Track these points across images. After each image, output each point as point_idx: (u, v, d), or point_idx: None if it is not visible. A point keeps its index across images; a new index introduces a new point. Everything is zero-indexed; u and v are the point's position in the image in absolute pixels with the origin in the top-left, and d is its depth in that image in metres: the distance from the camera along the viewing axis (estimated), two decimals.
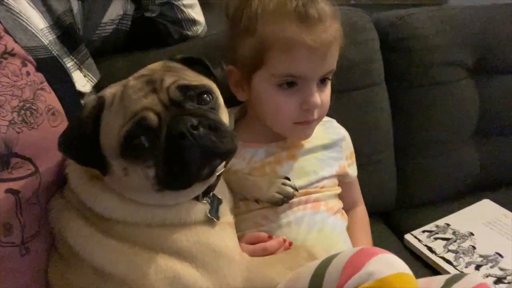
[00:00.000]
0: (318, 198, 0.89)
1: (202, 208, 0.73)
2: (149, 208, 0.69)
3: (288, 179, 0.86)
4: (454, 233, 1.11)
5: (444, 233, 1.12)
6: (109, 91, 0.67)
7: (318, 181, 0.90)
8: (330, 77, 0.86)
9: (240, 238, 0.80)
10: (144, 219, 0.69)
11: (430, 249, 1.07)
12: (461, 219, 1.15)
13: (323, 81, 0.84)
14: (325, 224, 0.87)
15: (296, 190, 0.85)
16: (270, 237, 0.81)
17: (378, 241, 1.05)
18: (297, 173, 0.89)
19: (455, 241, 1.08)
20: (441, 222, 1.15)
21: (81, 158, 0.67)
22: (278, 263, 0.75)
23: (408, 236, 1.12)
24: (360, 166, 1.04)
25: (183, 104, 0.64)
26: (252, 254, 0.77)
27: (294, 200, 0.85)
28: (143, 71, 0.71)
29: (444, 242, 1.09)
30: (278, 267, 0.74)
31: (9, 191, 0.67)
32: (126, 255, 0.67)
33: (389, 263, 0.63)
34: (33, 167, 0.70)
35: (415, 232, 1.12)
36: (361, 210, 1.04)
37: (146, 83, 0.64)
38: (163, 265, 0.67)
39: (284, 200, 0.83)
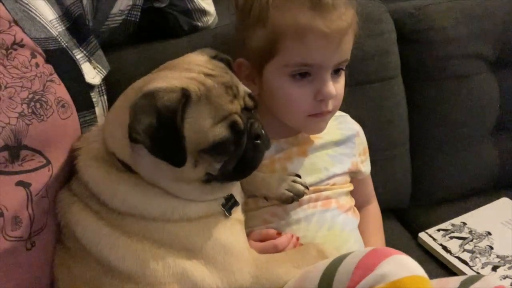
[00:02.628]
0: (329, 195, 0.87)
1: (218, 202, 0.74)
2: (171, 202, 0.69)
3: (299, 176, 0.84)
4: (470, 232, 1.08)
5: (460, 232, 1.08)
6: (192, 88, 0.65)
7: (329, 178, 0.88)
8: (344, 68, 0.83)
9: (247, 235, 0.79)
10: (163, 213, 0.68)
11: (445, 248, 1.04)
12: (478, 218, 1.12)
13: (337, 71, 0.82)
14: (336, 222, 0.85)
15: (307, 188, 0.83)
16: (279, 234, 0.79)
17: (391, 239, 1.04)
18: (308, 169, 0.87)
19: (471, 241, 1.05)
20: (457, 220, 1.12)
21: (161, 148, 0.63)
22: (287, 261, 0.73)
23: (422, 235, 1.09)
24: (374, 161, 1.01)
25: (252, 109, 0.73)
26: (262, 251, 0.75)
27: (304, 197, 0.83)
28: (195, 67, 0.70)
29: (460, 241, 1.06)
30: (287, 265, 0.72)
31: (20, 183, 0.66)
32: (134, 251, 0.66)
33: (403, 265, 0.61)
34: (45, 159, 0.69)
35: (430, 231, 1.09)
36: (374, 208, 1.01)
37: (226, 89, 0.68)
38: (171, 261, 0.67)
39: (294, 198, 0.81)
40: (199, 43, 0.99)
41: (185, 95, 0.64)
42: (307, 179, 0.85)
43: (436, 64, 1.14)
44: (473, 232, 1.08)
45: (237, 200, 0.77)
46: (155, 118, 0.62)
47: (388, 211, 1.18)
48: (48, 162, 0.70)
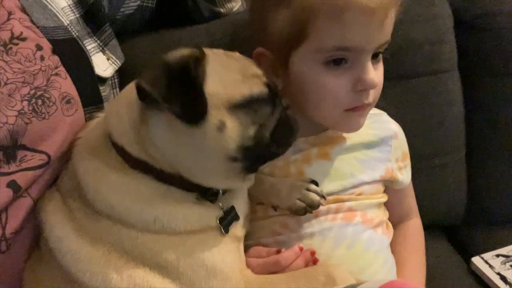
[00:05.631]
0: (353, 207, 0.74)
1: (213, 214, 0.65)
2: (155, 211, 0.62)
3: (315, 183, 0.72)
4: None
5: None
6: (209, 50, 0.63)
7: (355, 186, 0.75)
8: (383, 51, 0.71)
9: (250, 248, 0.69)
10: (144, 221, 0.61)
11: (503, 278, 0.87)
12: None
13: (375, 56, 0.70)
14: (358, 239, 0.72)
15: (323, 197, 0.71)
16: (279, 251, 0.67)
17: (438, 263, 0.92)
18: (330, 175, 0.75)
19: None
20: None
21: (177, 98, 0.57)
22: (287, 283, 0.62)
23: (476, 260, 0.92)
24: (418, 170, 0.88)
25: None
26: (262, 269, 0.65)
27: (322, 208, 0.71)
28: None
29: None
30: None
31: (10, 185, 0.62)
32: (97, 263, 0.60)
33: None
34: (47, 157, 0.66)
35: (486, 256, 0.93)
36: (414, 224, 0.86)
37: (247, 60, 0.66)
38: (138, 278, 0.59)
39: (307, 209, 0.70)
40: (218, 31, 0.91)
41: (198, 51, 0.59)
42: (328, 186, 0.73)
43: (503, 56, 0.97)
44: None
45: (239, 212, 0.68)
46: (166, 71, 0.57)
47: (437, 230, 1.03)
48: (49, 160, 0.66)
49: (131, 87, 0.63)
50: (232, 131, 0.59)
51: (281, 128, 0.63)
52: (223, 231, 0.64)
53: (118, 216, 0.61)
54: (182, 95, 0.56)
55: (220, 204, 0.66)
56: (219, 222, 0.64)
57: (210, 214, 0.65)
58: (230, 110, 0.59)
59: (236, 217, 0.67)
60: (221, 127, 0.59)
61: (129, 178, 0.62)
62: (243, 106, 0.60)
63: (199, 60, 0.59)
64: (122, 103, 0.64)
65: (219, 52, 0.63)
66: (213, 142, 0.59)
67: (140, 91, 0.58)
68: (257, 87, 0.60)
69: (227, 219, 0.65)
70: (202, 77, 0.58)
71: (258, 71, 0.64)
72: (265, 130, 0.62)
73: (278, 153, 0.66)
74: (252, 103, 0.60)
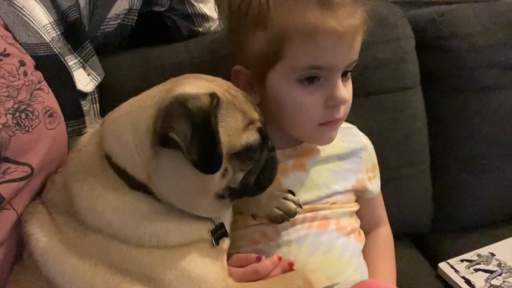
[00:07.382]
0: (327, 215, 0.77)
1: (205, 227, 0.67)
2: (153, 226, 0.63)
3: (292, 193, 0.75)
4: (499, 265, 0.95)
5: (488, 264, 0.95)
6: (220, 92, 0.64)
7: (329, 196, 0.79)
8: (351, 70, 0.76)
9: (230, 257, 0.71)
10: (140, 237, 0.62)
11: (468, 282, 0.92)
12: (509, 249, 0.98)
13: (345, 74, 0.74)
14: (333, 245, 0.75)
15: (300, 206, 0.74)
16: (259, 258, 0.70)
17: (408, 269, 0.95)
18: (305, 186, 0.78)
19: (500, 275, 0.92)
20: (484, 250, 0.99)
21: (198, 153, 0.58)
22: None
23: (443, 265, 0.97)
24: (387, 180, 0.92)
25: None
26: (242, 278, 0.67)
27: (299, 216, 0.75)
28: (216, 78, 0.70)
29: (487, 275, 0.93)
30: None
31: None
32: (83, 275, 0.60)
33: None
34: (30, 169, 0.66)
35: (452, 261, 0.97)
36: (384, 232, 0.90)
37: (246, 98, 0.68)
38: None
39: (284, 217, 0.73)
40: (197, 49, 0.94)
41: (215, 99, 0.62)
42: (304, 196, 0.77)
43: (461, 74, 1.03)
44: (503, 265, 0.94)
45: (225, 222, 0.70)
46: (190, 122, 0.59)
47: (406, 237, 1.07)
48: (32, 173, 0.66)
49: (135, 112, 0.64)
50: (229, 175, 0.64)
51: (264, 173, 0.67)
52: (214, 243, 0.66)
53: (112, 232, 0.61)
54: (203, 149, 0.59)
55: (212, 218, 0.68)
56: (211, 234, 0.67)
57: (203, 227, 0.67)
58: (228, 157, 0.63)
59: (225, 234, 0.69)
60: (225, 173, 0.63)
61: (128, 197, 0.63)
62: (238, 154, 0.63)
63: (216, 109, 0.61)
64: (126, 128, 0.63)
65: (225, 92, 0.65)
66: (213, 184, 0.63)
67: (164, 136, 0.58)
68: (252, 136, 0.64)
69: (218, 233, 0.68)
70: (217, 129, 0.61)
71: (255, 115, 0.67)
72: (251, 176, 0.66)
73: (257, 193, 0.70)
74: (246, 151, 0.64)
